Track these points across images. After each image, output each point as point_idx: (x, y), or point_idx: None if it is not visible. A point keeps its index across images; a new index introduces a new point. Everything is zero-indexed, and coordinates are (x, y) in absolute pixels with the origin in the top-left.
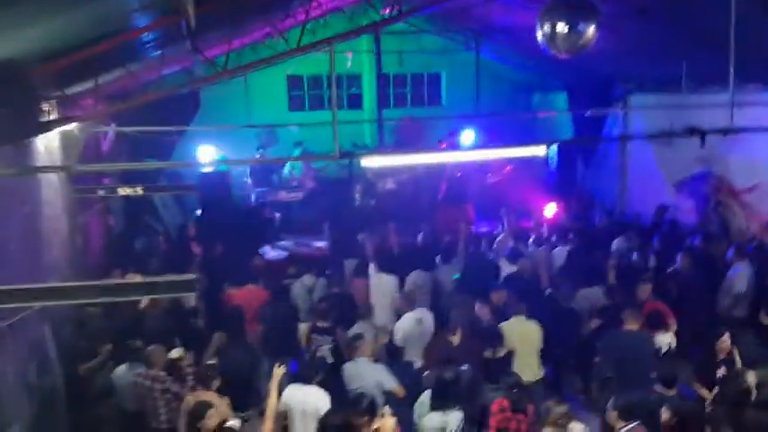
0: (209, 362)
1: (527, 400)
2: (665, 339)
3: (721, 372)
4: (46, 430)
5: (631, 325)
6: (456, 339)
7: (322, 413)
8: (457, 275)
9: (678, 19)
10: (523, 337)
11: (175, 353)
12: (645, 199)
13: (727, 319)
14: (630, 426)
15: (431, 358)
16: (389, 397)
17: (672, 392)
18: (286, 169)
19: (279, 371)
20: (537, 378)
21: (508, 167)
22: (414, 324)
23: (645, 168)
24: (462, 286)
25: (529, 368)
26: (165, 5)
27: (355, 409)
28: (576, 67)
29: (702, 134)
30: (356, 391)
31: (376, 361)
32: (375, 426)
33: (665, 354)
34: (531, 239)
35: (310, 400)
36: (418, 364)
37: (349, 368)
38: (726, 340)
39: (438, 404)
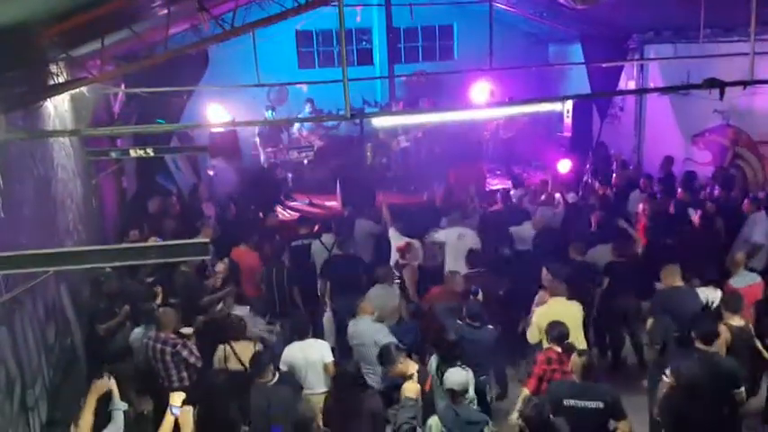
0: (237, 313)
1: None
2: (715, 294)
3: None
4: (66, 389)
5: (673, 281)
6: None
7: (327, 361)
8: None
9: None
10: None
11: (186, 330)
12: (662, 152)
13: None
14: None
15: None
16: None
17: (713, 349)
18: (295, 128)
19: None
20: None
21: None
22: (455, 238)
23: (662, 121)
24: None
25: None
26: None
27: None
28: (592, 18)
29: (722, 86)
30: (357, 347)
31: (377, 321)
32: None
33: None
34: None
35: (311, 351)
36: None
37: (351, 325)
38: None
39: (445, 365)
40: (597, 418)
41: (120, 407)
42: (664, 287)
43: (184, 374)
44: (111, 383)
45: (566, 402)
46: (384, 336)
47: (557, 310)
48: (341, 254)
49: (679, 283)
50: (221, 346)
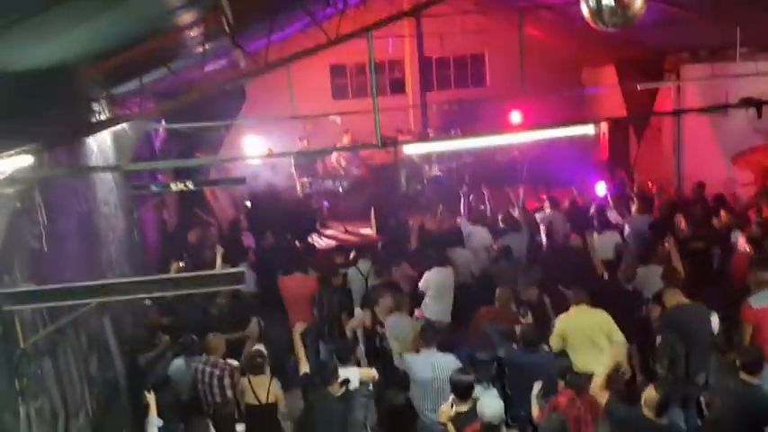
0: (256, 347)
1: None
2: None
3: None
4: (109, 418)
5: (678, 300)
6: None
7: None
8: None
9: None
10: (585, 330)
11: (233, 362)
12: (702, 174)
13: None
14: None
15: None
16: None
17: (757, 381)
18: (333, 157)
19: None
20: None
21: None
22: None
23: (701, 141)
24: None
25: (595, 362)
26: (205, 2)
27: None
28: (625, 39)
29: (758, 105)
30: (431, 382)
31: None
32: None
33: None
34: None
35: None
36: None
37: (419, 360)
38: None
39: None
40: None
41: (155, 423)
42: (670, 306)
43: (228, 399)
44: (150, 398)
45: None
46: (461, 367)
47: (581, 317)
48: (382, 281)
49: (684, 300)
50: (242, 379)
